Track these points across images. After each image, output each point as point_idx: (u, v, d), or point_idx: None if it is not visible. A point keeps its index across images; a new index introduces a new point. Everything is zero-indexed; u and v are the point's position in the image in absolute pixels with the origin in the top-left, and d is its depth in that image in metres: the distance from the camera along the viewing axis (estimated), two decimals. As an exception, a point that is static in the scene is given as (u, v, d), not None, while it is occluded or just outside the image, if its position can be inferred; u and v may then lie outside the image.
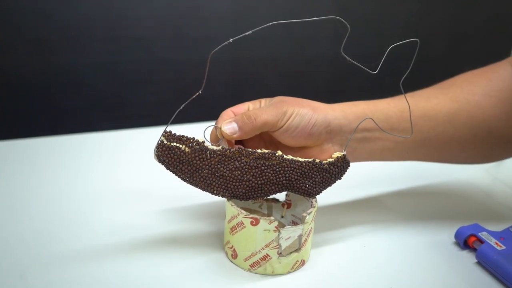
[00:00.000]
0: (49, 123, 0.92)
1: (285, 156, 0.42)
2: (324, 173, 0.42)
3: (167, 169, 0.41)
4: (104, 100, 0.95)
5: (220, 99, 0.76)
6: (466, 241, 0.47)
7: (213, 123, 0.43)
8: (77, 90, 0.92)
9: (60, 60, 0.88)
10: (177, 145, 0.40)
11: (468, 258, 0.46)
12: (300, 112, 0.42)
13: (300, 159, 0.42)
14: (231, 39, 0.38)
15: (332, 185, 0.43)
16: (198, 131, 0.44)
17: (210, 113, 0.60)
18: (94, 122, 0.95)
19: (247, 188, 0.41)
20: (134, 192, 0.55)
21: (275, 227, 0.40)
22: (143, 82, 0.97)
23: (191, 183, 0.41)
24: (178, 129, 0.42)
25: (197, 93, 0.39)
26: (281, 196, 0.49)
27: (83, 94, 0.93)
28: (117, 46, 0.92)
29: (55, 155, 0.64)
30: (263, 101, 0.45)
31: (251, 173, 0.41)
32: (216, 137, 0.42)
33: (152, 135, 0.46)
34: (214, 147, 0.41)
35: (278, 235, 0.40)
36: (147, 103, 0.98)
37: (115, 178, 0.59)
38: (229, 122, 0.41)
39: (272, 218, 0.40)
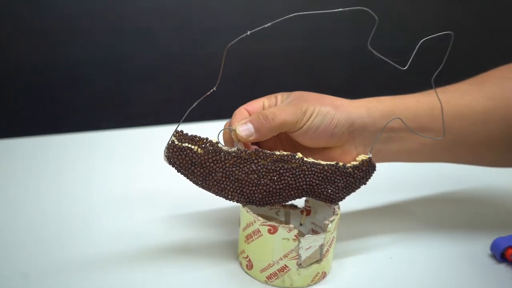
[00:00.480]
0: (49, 121, 0.92)
1: (305, 159, 0.40)
2: (348, 177, 0.40)
3: (178, 171, 0.39)
4: (107, 97, 0.94)
5: (232, 95, 0.74)
6: (504, 254, 0.44)
7: (224, 121, 0.41)
8: (78, 87, 0.92)
9: (61, 55, 0.88)
10: (189, 146, 0.38)
11: (505, 272, 0.44)
12: (321, 111, 0.40)
13: (322, 162, 0.40)
14: (249, 32, 0.35)
15: (356, 190, 0.42)
16: (209, 130, 0.43)
17: (221, 110, 0.59)
18: (97, 121, 0.94)
19: (264, 193, 0.40)
20: (141, 196, 0.54)
21: (295, 235, 0.38)
22: (148, 78, 0.96)
23: (203, 187, 0.40)
24: (187, 128, 0.41)
25: (212, 90, 0.37)
26: (299, 202, 0.47)
27: (85, 91, 0.93)
28: (121, 40, 0.91)
29: (56, 154, 0.63)
30: (280, 96, 0.42)
31: (269, 177, 0.39)
32: (231, 139, 0.41)
33: (159, 134, 0.46)
34: (229, 148, 0.39)
35: (298, 244, 0.38)
36: (153, 100, 0.98)
37: (120, 180, 0.57)
38: (244, 124, 0.39)
39: (291, 226, 0.38)
